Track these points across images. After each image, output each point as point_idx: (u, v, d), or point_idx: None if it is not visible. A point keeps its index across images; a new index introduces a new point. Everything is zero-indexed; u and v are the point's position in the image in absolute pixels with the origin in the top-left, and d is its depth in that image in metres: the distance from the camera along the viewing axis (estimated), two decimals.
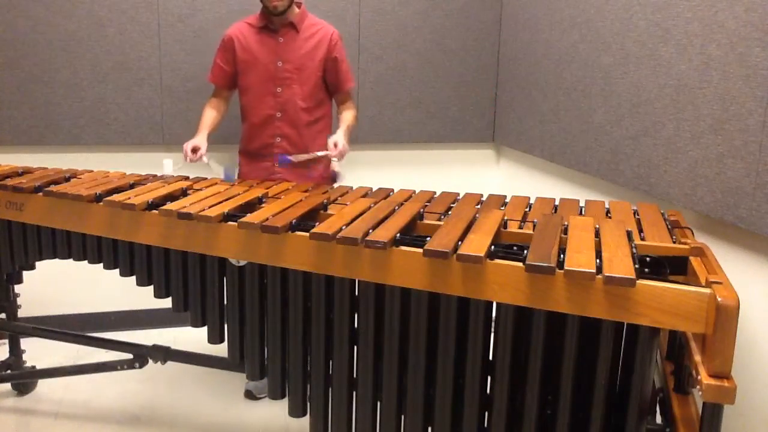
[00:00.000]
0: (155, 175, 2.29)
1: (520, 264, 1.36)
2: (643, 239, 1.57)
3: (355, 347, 1.63)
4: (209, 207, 1.79)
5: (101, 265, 2.03)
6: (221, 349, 1.91)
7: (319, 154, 2.44)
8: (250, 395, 2.66)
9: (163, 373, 2.76)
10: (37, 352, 2.80)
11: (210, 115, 2.63)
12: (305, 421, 1.76)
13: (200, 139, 2.49)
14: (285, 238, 1.62)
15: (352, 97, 2.72)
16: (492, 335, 1.47)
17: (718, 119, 1.85)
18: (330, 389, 1.69)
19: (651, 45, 2.15)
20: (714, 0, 1.86)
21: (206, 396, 2.67)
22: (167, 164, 2.29)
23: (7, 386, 2.68)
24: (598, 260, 1.33)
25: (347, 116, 2.62)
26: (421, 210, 1.76)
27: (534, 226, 1.60)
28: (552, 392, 1.40)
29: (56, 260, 2.16)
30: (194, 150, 2.43)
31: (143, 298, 2.24)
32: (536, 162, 3.12)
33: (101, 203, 1.91)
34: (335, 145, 2.39)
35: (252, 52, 2.56)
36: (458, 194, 2.04)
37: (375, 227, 1.57)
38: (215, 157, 2.54)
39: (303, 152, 2.53)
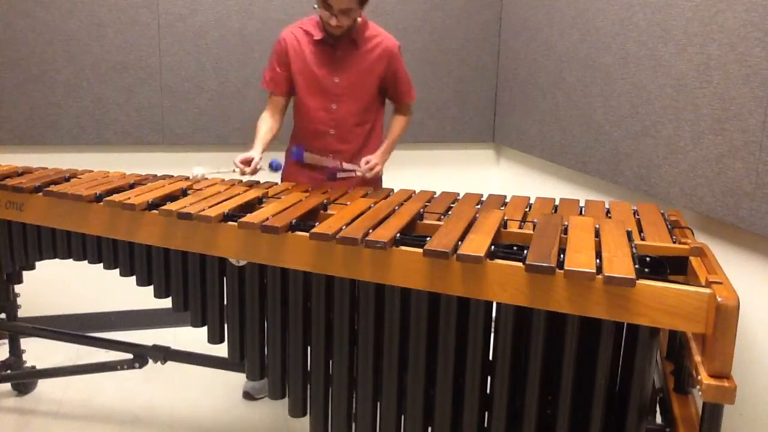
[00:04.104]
0: (155, 175, 2.29)
1: (520, 264, 1.36)
2: (643, 239, 1.57)
3: (355, 347, 1.63)
4: (209, 207, 1.79)
5: (101, 265, 2.03)
6: (221, 349, 1.91)
7: (347, 167, 2.34)
8: (248, 396, 2.65)
9: (163, 373, 2.76)
10: (37, 352, 2.80)
11: (265, 130, 2.38)
12: (305, 421, 1.76)
13: (254, 151, 2.26)
14: (285, 238, 1.62)
15: (410, 108, 2.56)
16: (492, 335, 1.47)
17: (718, 119, 1.85)
18: (330, 389, 1.69)
19: (651, 45, 2.15)
20: (714, 0, 1.86)
21: (206, 396, 2.67)
22: (197, 170, 2.21)
23: (7, 386, 2.68)
24: (598, 260, 1.33)
25: (395, 127, 2.50)
26: (421, 210, 1.76)
27: (534, 226, 1.60)
28: (552, 392, 1.40)
29: (56, 260, 2.16)
30: (247, 162, 2.20)
31: (143, 298, 2.24)
32: (536, 162, 3.12)
33: (101, 203, 1.91)
34: (367, 163, 2.33)
35: (307, 63, 2.36)
36: (458, 194, 2.04)
37: (375, 227, 1.57)
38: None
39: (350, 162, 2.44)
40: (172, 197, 1.94)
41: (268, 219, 1.67)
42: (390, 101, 2.56)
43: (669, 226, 1.68)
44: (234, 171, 2.20)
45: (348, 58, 2.37)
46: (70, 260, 2.10)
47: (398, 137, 2.53)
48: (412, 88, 2.54)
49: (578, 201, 1.92)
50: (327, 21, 2.24)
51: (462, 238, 1.48)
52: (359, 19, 2.36)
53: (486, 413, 1.50)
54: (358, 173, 2.36)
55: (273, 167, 2.30)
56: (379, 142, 2.54)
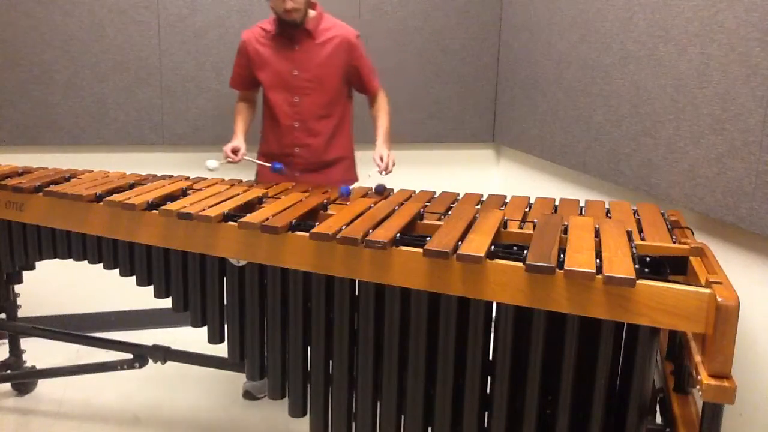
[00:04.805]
0: (155, 175, 2.29)
1: (520, 264, 1.36)
2: (643, 239, 1.57)
3: (355, 347, 1.63)
4: (209, 207, 1.79)
5: (101, 265, 2.03)
6: (221, 349, 1.91)
7: (370, 173, 2.35)
8: (248, 395, 2.65)
9: (163, 373, 2.76)
10: (37, 352, 2.80)
11: (243, 117, 2.56)
12: (305, 421, 1.76)
13: (239, 141, 2.43)
14: (285, 238, 1.62)
15: (381, 90, 2.59)
16: (492, 335, 1.47)
17: (718, 119, 1.85)
18: (330, 389, 1.69)
19: (651, 45, 2.15)
20: (714, 0, 1.86)
21: (206, 396, 2.67)
22: (211, 163, 2.29)
23: (7, 386, 2.68)
24: (598, 260, 1.33)
25: (381, 118, 2.53)
26: (421, 210, 1.76)
27: (534, 226, 1.60)
28: (552, 392, 1.40)
29: (56, 260, 2.16)
30: (235, 151, 2.38)
31: (143, 298, 2.24)
32: (536, 162, 3.12)
33: (101, 203, 1.91)
34: (381, 159, 2.34)
35: (266, 59, 2.45)
36: (458, 194, 2.04)
37: (375, 227, 1.57)
38: (253, 156, 2.53)
39: (320, 158, 2.50)
40: (172, 197, 1.94)
41: (268, 219, 1.67)
42: (359, 92, 2.61)
43: (669, 226, 1.68)
44: (228, 159, 2.39)
45: (305, 51, 2.43)
46: (70, 260, 2.10)
47: (389, 124, 2.54)
48: (374, 77, 2.57)
49: (578, 201, 1.92)
50: (283, 8, 2.31)
51: (462, 238, 1.47)
52: (314, 12, 2.44)
53: (486, 413, 1.50)
54: (382, 173, 2.36)
55: (276, 169, 2.37)
56: (348, 134, 2.59)
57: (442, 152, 3.47)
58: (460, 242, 1.45)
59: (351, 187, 2.12)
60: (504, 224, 1.63)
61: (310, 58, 2.43)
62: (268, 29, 2.46)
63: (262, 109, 2.59)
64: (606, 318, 1.30)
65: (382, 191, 2.08)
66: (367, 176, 2.36)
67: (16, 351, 2.65)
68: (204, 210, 1.76)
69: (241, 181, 2.31)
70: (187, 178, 2.26)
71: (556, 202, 1.91)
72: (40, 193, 2.03)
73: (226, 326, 1.85)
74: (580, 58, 2.58)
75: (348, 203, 1.90)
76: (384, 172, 2.34)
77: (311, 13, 2.44)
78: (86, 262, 2.06)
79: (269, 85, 2.47)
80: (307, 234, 1.58)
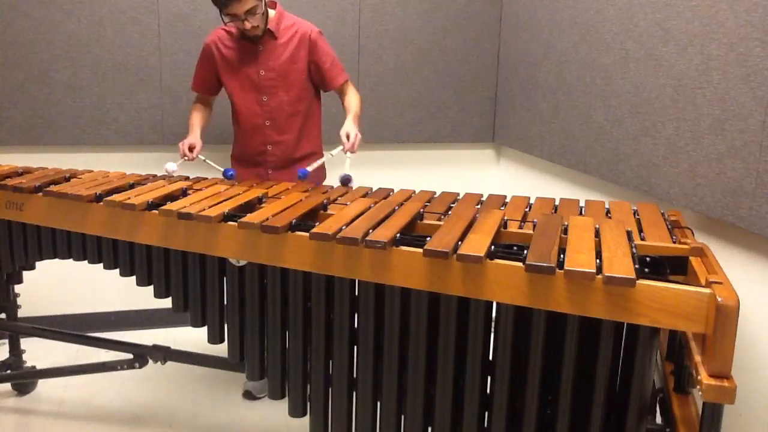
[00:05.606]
0: (155, 175, 2.29)
1: (520, 264, 1.36)
2: (643, 239, 1.57)
3: (355, 347, 1.63)
4: (209, 207, 1.79)
5: (101, 265, 2.03)
6: (221, 349, 1.91)
7: (333, 153, 2.33)
8: (249, 395, 2.65)
9: (163, 373, 2.76)
10: (37, 352, 2.80)
11: (198, 115, 2.59)
12: (305, 421, 1.76)
13: (195, 138, 2.49)
14: (285, 238, 1.62)
15: (350, 84, 2.61)
16: (492, 335, 1.47)
17: (718, 119, 1.85)
18: (330, 389, 1.69)
19: (651, 45, 2.15)
20: (714, 0, 1.86)
21: (206, 396, 2.68)
22: (170, 166, 2.29)
23: (7, 386, 2.68)
24: (598, 260, 1.33)
25: (352, 103, 2.52)
26: (421, 210, 1.76)
27: (534, 226, 1.60)
28: (552, 392, 1.40)
29: (56, 260, 2.16)
30: (191, 148, 2.44)
31: (143, 298, 2.25)
32: (536, 162, 3.12)
33: (101, 203, 1.91)
34: (347, 137, 2.34)
35: (232, 61, 2.49)
36: (458, 194, 2.04)
37: (375, 227, 1.57)
38: (211, 156, 2.56)
39: (291, 154, 2.54)
40: (172, 197, 1.94)
41: (268, 219, 1.67)
42: (324, 90, 2.61)
43: (669, 226, 1.68)
44: (185, 158, 2.44)
45: (270, 50, 2.47)
46: (70, 260, 2.10)
47: (359, 108, 2.54)
48: (340, 72, 2.57)
49: (578, 201, 1.92)
50: (242, 29, 2.37)
51: (462, 238, 1.47)
52: (274, 12, 2.48)
53: (486, 413, 1.50)
54: (336, 152, 2.35)
55: (228, 176, 2.38)
56: (317, 130, 2.62)
57: (442, 152, 3.47)
58: (460, 242, 1.45)
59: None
60: (504, 224, 1.63)
61: (274, 57, 2.47)
62: (233, 32, 2.49)
63: (231, 112, 2.61)
64: (606, 318, 1.30)
65: (347, 182, 2.07)
66: (330, 156, 2.35)
67: (16, 351, 2.65)
68: (204, 210, 1.76)
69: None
70: (187, 178, 2.26)
71: (556, 202, 1.91)
72: (40, 193, 2.03)
73: (226, 326, 1.85)
74: (580, 58, 2.58)
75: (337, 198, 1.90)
76: (349, 153, 2.35)
77: (271, 13, 2.47)
78: (86, 262, 2.06)
79: (238, 87, 2.51)
80: (307, 234, 1.58)
